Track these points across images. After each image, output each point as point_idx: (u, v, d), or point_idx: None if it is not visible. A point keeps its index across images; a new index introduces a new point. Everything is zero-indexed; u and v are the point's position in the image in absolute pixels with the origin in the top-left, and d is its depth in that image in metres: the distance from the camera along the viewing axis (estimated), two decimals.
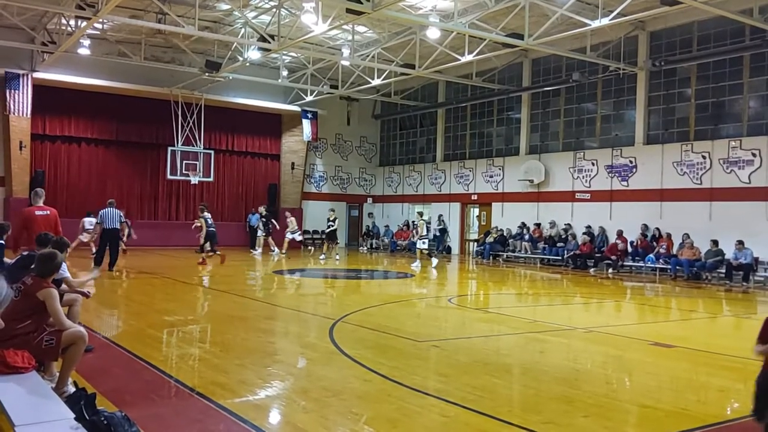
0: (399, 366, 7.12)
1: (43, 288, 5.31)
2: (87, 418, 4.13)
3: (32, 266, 7.31)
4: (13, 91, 23.73)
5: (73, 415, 4.01)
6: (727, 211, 19.37)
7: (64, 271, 6.85)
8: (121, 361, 7.15)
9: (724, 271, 18.24)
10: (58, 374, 5.49)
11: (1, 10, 19.48)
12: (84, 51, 22.66)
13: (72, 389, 5.16)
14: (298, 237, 25.95)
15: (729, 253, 18.21)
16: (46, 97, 24.78)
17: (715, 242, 18.64)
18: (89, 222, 20.63)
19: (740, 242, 17.80)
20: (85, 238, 20.66)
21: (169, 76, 25.73)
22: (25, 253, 8.07)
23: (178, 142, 26.42)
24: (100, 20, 19.09)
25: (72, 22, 20.12)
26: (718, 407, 6.26)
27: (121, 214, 17.36)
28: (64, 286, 6.77)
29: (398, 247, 29.96)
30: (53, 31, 21.92)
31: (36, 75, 24.12)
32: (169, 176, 26.58)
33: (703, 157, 20.09)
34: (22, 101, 23.93)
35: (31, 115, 24.35)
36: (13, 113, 23.94)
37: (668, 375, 7.29)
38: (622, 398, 6.42)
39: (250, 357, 7.53)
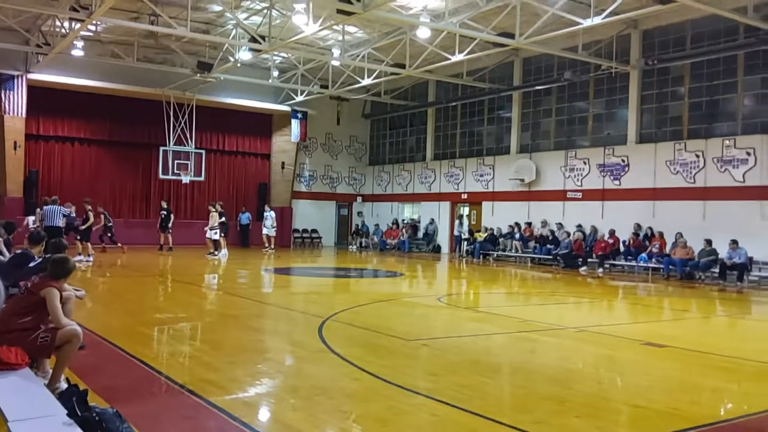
0: (388, 365, 7.13)
1: (47, 286, 5.42)
2: (79, 414, 4.13)
3: (26, 264, 7.38)
4: (7, 91, 23.97)
5: (66, 411, 4.03)
6: (721, 210, 19.27)
7: None
8: (114, 358, 7.16)
9: (717, 270, 18.08)
10: (50, 371, 5.52)
11: None
12: (78, 52, 22.90)
13: (64, 386, 5.17)
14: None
15: (723, 252, 18.09)
16: (41, 97, 24.86)
17: (708, 242, 18.49)
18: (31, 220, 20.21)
19: (734, 242, 17.71)
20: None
21: (161, 77, 25.71)
22: (19, 251, 8.08)
23: (169, 142, 26.39)
24: (94, 22, 19.13)
25: (66, 24, 20.17)
26: (711, 407, 6.24)
27: (62, 209, 17.48)
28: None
29: (388, 246, 29.95)
30: (47, 33, 21.93)
31: (30, 76, 24.26)
32: (161, 176, 26.58)
33: (697, 156, 20.05)
34: (16, 102, 24.12)
35: (25, 116, 24.46)
36: (8, 113, 24.08)
37: (660, 375, 7.27)
38: (614, 398, 6.39)
39: (241, 355, 7.55)
